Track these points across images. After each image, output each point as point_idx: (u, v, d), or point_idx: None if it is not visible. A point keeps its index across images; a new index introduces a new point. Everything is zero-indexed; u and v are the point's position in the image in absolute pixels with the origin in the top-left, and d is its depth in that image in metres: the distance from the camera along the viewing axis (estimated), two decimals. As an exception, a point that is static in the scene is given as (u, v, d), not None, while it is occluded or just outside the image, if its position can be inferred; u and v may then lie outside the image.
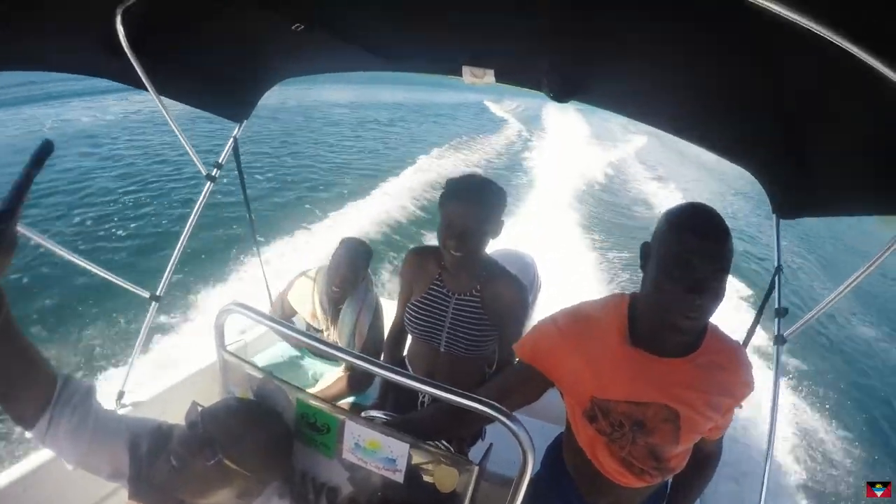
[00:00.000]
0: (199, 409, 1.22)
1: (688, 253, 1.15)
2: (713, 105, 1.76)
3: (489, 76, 1.89)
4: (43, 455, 1.81)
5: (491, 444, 1.25)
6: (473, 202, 1.76)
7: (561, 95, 1.82)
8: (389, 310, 2.30)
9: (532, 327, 1.48)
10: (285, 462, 1.33)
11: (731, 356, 1.34)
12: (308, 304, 2.70)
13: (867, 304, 10.74)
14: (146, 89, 1.95)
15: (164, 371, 2.62)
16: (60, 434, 1.14)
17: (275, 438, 1.27)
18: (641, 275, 1.30)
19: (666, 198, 16.93)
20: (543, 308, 1.73)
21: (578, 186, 15.91)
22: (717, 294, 1.17)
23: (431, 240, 2.02)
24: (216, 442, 1.16)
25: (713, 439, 1.48)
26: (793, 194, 1.91)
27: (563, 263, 8.36)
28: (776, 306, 1.94)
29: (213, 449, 1.15)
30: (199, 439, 1.16)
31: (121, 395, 2.26)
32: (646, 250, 1.28)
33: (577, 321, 1.38)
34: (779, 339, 1.88)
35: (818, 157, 1.66)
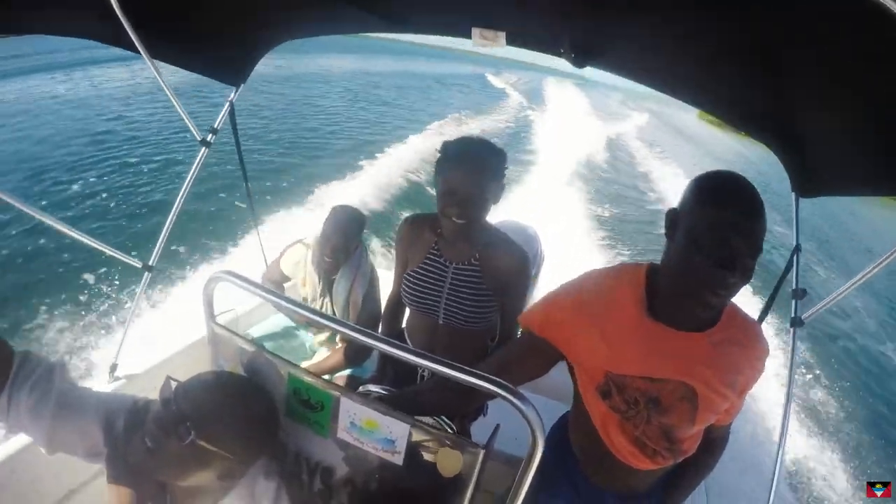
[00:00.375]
0: (174, 384, 1.15)
1: (725, 227, 1.07)
2: (734, 77, 1.66)
3: (500, 39, 1.78)
4: (20, 441, 1.76)
5: (498, 426, 1.18)
6: (475, 166, 1.66)
7: (576, 60, 1.73)
8: (389, 280, 2.24)
9: (543, 296, 1.39)
10: (268, 441, 1.25)
11: (749, 332, 1.28)
12: (301, 273, 2.63)
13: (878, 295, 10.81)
14: (138, 52, 1.86)
15: (159, 343, 2.57)
16: (22, 413, 1.10)
17: (255, 416, 1.19)
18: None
19: (666, 172, 16.93)
20: (546, 281, 1.66)
21: (580, 160, 15.93)
22: (747, 272, 1.10)
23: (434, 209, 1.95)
24: (189, 421, 1.08)
25: (723, 424, 1.42)
26: (813, 172, 1.84)
27: (566, 236, 8.33)
28: (793, 287, 1.87)
29: (186, 428, 1.07)
30: (172, 418, 1.09)
31: (114, 367, 2.22)
32: (673, 217, 1.20)
33: (591, 291, 1.30)
34: (796, 322, 1.81)
35: (839, 135, 1.59)
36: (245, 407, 1.17)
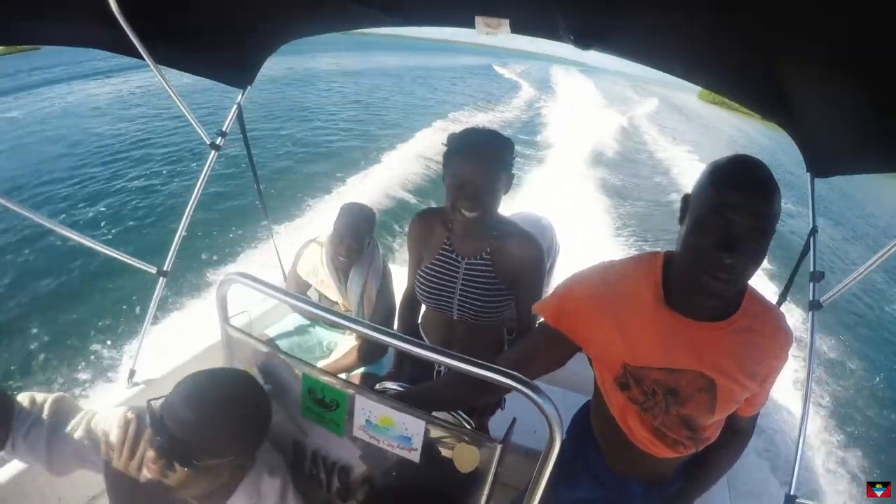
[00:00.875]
0: (157, 405, 1.11)
1: (722, 207, 1.04)
2: (745, 59, 1.63)
3: (504, 26, 1.75)
4: None
5: (515, 419, 1.17)
6: (482, 157, 1.62)
7: (581, 44, 1.70)
8: (402, 276, 2.23)
9: (557, 286, 1.36)
10: (266, 422, 1.20)
11: (770, 320, 1.24)
12: (319, 274, 2.63)
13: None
14: (143, 59, 1.86)
15: (176, 347, 2.59)
16: (22, 449, 1.17)
17: (245, 410, 1.14)
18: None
19: (679, 157, 16.74)
20: (563, 272, 1.63)
21: (593, 147, 15.81)
22: (753, 255, 1.06)
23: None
24: (186, 445, 1.06)
25: (747, 415, 1.38)
26: (828, 152, 1.81)
27: (583, 225, 8.26)
28: (811, 270, 1.84)
29: (187, 454, 1.06)
30: (168, 447, 1.06)
31: (132, 373, 2.25)
32: (685, 202, 1.17)
33: (607, 280, 1.27)
34: (814, 305, 1.78)
35: (853, 113, 1.55)
36: (232, 404, 1.12)
